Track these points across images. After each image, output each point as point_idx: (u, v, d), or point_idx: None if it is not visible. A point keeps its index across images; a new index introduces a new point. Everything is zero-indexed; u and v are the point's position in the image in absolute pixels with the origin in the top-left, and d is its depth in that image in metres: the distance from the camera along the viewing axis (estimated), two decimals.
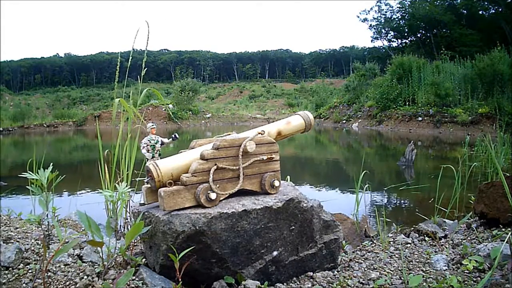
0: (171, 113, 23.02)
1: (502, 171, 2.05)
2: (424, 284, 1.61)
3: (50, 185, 1.86)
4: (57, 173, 1.93)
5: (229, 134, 1.79)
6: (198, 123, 25.82)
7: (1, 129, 21.39)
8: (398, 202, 5.04)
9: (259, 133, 1.74)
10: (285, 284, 1.69)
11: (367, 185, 3.34)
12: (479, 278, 1.64)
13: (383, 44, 40.60)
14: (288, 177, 2.65)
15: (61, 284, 1.46)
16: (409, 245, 2.26)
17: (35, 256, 1.68)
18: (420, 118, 16.97)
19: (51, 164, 1.96)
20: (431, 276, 1.72)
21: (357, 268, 1.88)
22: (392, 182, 5.79)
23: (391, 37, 39.32)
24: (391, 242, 2.35)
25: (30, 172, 1.81)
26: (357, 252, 2.21)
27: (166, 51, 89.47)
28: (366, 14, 47.85)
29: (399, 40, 39.25)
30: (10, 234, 1.92)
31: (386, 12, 37.90)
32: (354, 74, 26.96)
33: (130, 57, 2.98)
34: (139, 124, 3.20)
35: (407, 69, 19.55)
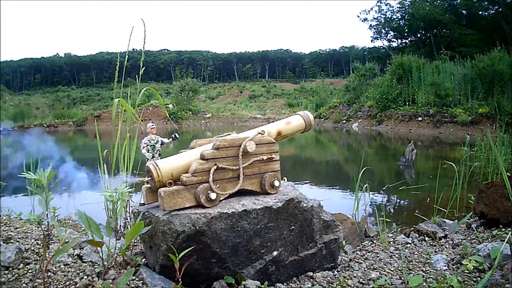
0: (168, 115, 23.02)
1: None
2: (424, 284, 1.61)
3: (50, 185, 1.86)
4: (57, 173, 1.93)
5: (229, 134, 1.79)
6: (198, 123, 25.83)
7: (1, 129, 21.39)
8: (398, 202, 5.04)
9: (259, 133, 1.74)
10: (285, 284, 1.69)
11: (366, 185, 3.34)
12: (479, 278, 1.64)
13: (383, 44, 40.62)
14: (285, 178, 2.64)
15: (61, 284, 1.46)
16: (409, 245, 2.26)
17: (35, 256, 1.67)
18: (420, 118, 16.98)
19: (51, 164, 1.96)
20: (431, 276, 1.72)
21: (357, 268, 1.88)
22: (392, 182, 5.79)
23: (391, 37, 39.31)
24: (391, 242, 2.35)
25: (30, 172, 1.80)
26: (357, 252, 2.21)
27: (166, 51, 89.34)
28: (366, 14, 47.81)
29: (399, 40, 39.24)
30: (10, 234, 1.92)
31: (386, 12, 37.88)
32: (354, 74, 26.99)
33: (126, 56, 2.97)
34: (138, 124, 3.19)
35: (407, 69, 19.57)
